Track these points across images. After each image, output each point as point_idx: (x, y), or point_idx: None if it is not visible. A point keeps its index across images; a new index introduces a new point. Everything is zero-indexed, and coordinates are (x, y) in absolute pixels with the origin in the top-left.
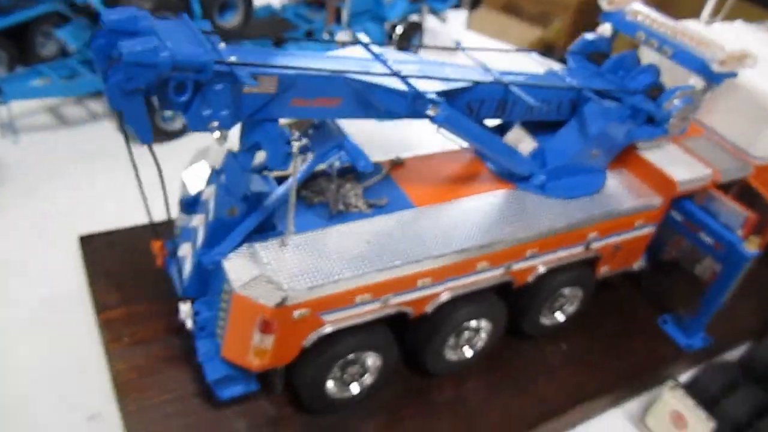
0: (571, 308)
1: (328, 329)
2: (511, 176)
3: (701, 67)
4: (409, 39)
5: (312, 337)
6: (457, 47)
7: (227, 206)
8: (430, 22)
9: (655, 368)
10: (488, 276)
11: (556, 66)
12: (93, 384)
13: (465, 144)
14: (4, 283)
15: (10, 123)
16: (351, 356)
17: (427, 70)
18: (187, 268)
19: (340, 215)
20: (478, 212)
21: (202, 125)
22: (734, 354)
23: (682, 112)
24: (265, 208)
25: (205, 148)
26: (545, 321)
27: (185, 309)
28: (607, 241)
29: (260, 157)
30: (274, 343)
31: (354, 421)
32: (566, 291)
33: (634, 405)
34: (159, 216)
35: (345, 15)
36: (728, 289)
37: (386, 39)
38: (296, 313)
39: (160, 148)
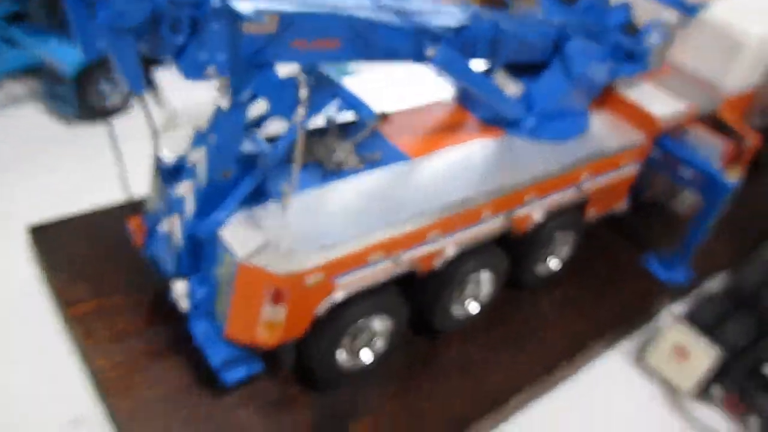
0: (563, 254)
1: (341, 294)
2: (498, 122)
3: (676, 1)
4: None
5: (325, 304)
6: None
7: (221, 169)
8: None
9: (644, 306)
10: (491, 226)
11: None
12: (70, 386)
13: (446, 94)
14: None
15: None
16: (362, 321)
17: (425, 9)
18: (176, 242)
19: (334, 173)
20: (473, 160)
21: (197, 72)
22: (713, 285)
23: (661, 47)
24: (260, 170)
25: (173, 111)
26: (540, 270)
27: (181, 288)
28: (597, 181)
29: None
30: (286, 315)
31: (365, 392)
32: (559, 236)
33: (628, 345)
34: (118, 195)
35: None
36: (711, 220)
37: None
38: (310, 279)
39: (96, 129)
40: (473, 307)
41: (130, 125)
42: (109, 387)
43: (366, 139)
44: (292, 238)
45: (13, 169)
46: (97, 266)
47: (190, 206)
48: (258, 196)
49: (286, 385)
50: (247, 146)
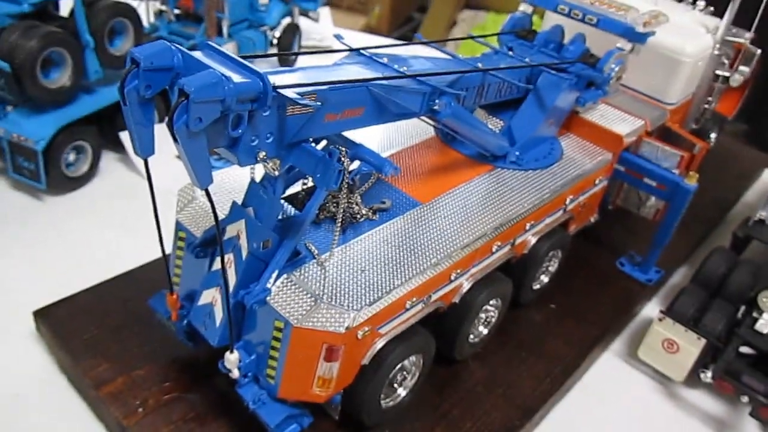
0: (552, 270)
1: (382, 342)
2: (484, 157)
3: (626, 31)
4: (291, 41)
5: (371, 353)
6: (352, 49)
7: (261, 239)
8: (302, 22)
9: (628, 306)
10: (499, 255)
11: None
12: None
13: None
14: None
15: None
16: (401, 363)
17: (426, 67)
18: (218, 314)
19: (351, 227)
20: (477, 197)
21: (251, 157)
22: (678, 279)
23: (618, 73)
24: (296, 235)
25: (187, 187)
26: (535, 286)
27: (233, 359)
28: (578, 200)
29: None
30: (338, 369)
31: (406, 425)
32: (551, 254)
33: (618, 345)
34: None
35: (225, 26)
36: (676, 222)
37: (269, 45)
38: (360, 333)
39: (66, 198)
40: (484, 332)
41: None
42: None
43: (372, 188)
44: (341, 296)
45: None
46: (112, 342)
47: (232, 278)
48: (291, 259)
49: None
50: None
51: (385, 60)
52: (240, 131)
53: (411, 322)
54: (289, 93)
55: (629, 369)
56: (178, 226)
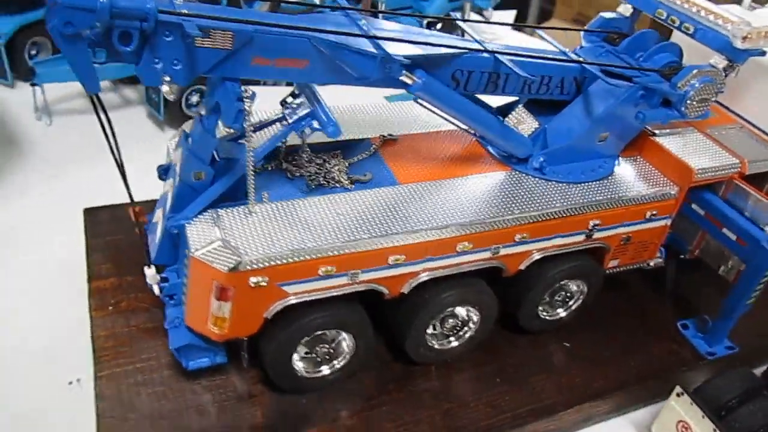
0: (574, 303)
1: (291, 301)
2: (509, 159)
3: (723, 44)
4: None
5: (274, 309)
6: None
7: (193, 170)
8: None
9: (669, 375)
10: (472, 259)
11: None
12: (77, 350)
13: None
14: (12, 249)
15: (44, 105)
16: (319, 333)
17: (405, 36)
18: (158, 234)
19: (320, 189)
20: (464, 192)
21: (154, 80)
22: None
23: (700, 93)
24: (233, 175)
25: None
26: (546, 315)
27: (150, 274)
28: (614, 231)
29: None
30: (232, 312)
31: (327, 403)
32: (569, 283)
33: (642, 414)
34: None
35: (381, 8)
36: (753, 290)
37: None
38: (252, 281)
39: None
40: (453, 341)
41: None
42: (101, 355)
43: (364, 160)
44: (244, 240)
45: (100, 160)
46: (126, 249)
47: (169, 202)
48: (238, 199)
49: (254, 382)
50: (227, 151)
51: (363, 22)
52: (130, 48)
53: (332, 293)
54: (188, 23)
55: None
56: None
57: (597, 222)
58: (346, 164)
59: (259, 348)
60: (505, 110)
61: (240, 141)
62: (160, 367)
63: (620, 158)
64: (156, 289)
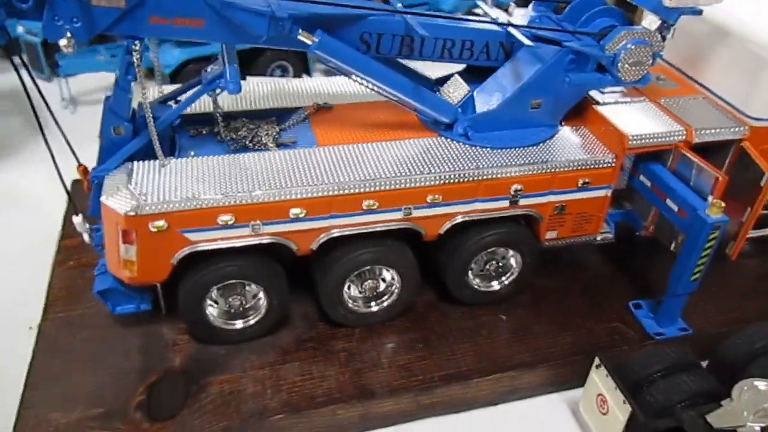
0: (510, 276)
1: (197, 248)
2: (439, 126)
3: (655, 4)
4: None
5: (178, 255)
6: None
7: (112, 125)
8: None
9: (606, 354)
10: (383, 218)
11: None
12: (40, 299)
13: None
14: (10, 212)
15: (69, 96)
16: (231, 284)
17: None
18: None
19: (244, 150)
20: (380, 155)
21: (55, 35)
22: None
23: (632, 56)
24: (146, 133)
25: None
26: (480, 287)
27: (77, 222)
28: (543, 198)
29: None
30: (138, 255)
31: (243, 355)
32: (501, 254)
33: (580, 393)
34: None
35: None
36: (694, 263)
37: None
38: (152, 225)
39: None
40: (374, 306)
41: None
42: (51, 303)
43: (295, 126)
44: (147, 188)
45: None
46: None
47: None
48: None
49: (179, 332)
50: (158, 112)
51: None
52: (27, 5)
53: (237, 243)
54: None
55: (569, 423)
56: None
57: (519, 187)
58: (277, 129)
59: (175, 295)
60: (445, 80)
61: (168, 103)
62: (99, 315)
63: (563, 127)
64: (86, 237)
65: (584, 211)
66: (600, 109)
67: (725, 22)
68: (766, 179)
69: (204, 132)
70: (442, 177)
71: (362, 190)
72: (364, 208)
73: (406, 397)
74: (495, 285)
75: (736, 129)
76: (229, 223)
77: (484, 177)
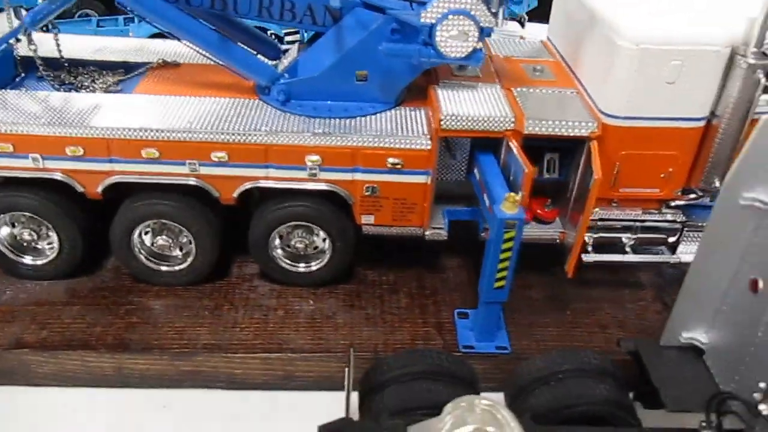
0: (318, 258)
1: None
2: (263, 90)
3: None
4: None
5: None
6: None
7: None
8: (509, 26)
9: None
10: (166, 171)
11: None
12: None
13: None
14: None
15: None
16: (20, 215)
17: None
18: None
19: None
20: (181, 109)
21: None
22: None
23: (452, 26)
24: None
25: None
26: (288, 266)
27: None
28: (347, 175)
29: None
30: None
31: (39, 291)
32: (307, 231)
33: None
34: None
35: None
36: (493, 269)
37: None
38: None
39: None
40: (183, 264)
41: None
42: None
43: (132, 77)
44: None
45: None
46: None
47: None
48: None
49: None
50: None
51: None
52: None
53: (22, 174)
54: None
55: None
56: None
57: (316, 158)
58: (116, 78)
59: None
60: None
61: None
62: None
63: (402, 107)
64: None
65: (402, 197)
66: (436, 88)
67: (594, 6)
68: (593, 181)
69: (51, 75)
70: (227, 135)
71: (140, 137)
72: (144, 156)
73: (163, 358)
74: (301, 267)
75: (580, 124)
76: (7, 151)
77: (273, 142)
